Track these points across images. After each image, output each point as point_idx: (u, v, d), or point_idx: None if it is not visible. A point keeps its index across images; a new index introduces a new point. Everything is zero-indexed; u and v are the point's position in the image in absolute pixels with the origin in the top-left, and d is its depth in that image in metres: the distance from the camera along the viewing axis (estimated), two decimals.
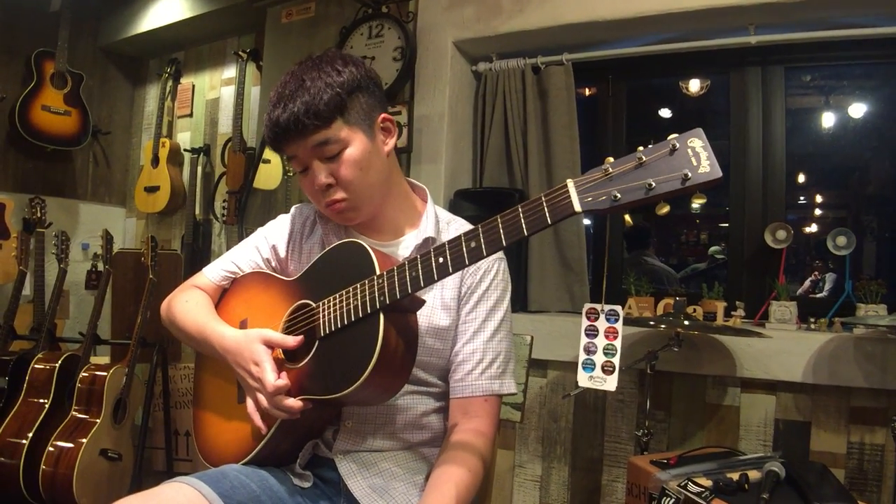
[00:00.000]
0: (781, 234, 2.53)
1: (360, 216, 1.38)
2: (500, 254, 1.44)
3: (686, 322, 2.17)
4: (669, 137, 0.93)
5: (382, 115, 1.39)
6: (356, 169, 1.32)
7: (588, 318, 2.22)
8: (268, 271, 1.48)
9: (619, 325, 2.16)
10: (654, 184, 0.91)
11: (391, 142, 1.41)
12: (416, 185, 1.52)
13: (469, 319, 1.39)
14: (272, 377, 1.21)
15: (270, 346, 1.27)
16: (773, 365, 2.31)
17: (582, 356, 2.22)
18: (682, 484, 1.65)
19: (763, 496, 1.53)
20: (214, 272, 1.53)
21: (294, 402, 1.20)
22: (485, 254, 1.04)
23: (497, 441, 1.47)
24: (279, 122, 1.28)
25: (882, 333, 2.19)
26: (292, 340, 1.26)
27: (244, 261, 1.51)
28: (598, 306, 2.20)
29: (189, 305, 1.47)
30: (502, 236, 1.02)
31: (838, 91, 3.23)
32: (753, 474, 1.68)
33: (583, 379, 2.21)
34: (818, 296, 3.20)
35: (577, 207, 0.96)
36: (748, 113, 2.75)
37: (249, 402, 1.28)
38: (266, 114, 1.33)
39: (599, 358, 2.17)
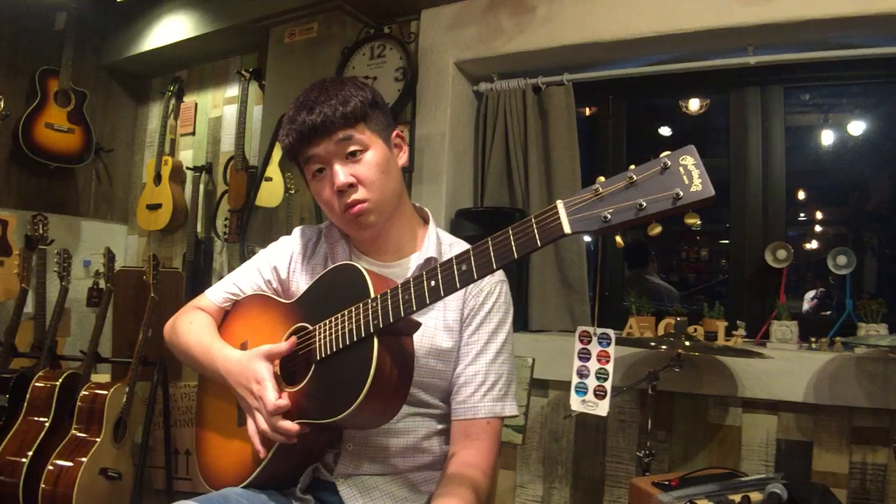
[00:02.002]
0: (782, 253, 2.53)
1: (379, 221, 1.37)
2: (502, 276, 1.45)
3: (687, 343, 2.17)
4: (661, 155, 0.91)
5: (396, 132, 1.43)
6: (378, 171, 1.33)
7: (581, 342, 2.20)
8: (268, 293, 1.49)
9: (611, 349, 2.14)
10: (645, 204, 0.90)
11: (403, 156, 1.44)
12: (417, 206, 1.53)
13: (471, 342, 1.39)
14: (273, 396, 1.22)
15: (271, 358, 1.28)
16: (774, 385, 2.31)
17: (574, 380, 2.19)
18: None
19: None
20: (216, 294, 1.53)
21: (291, 426, 1.20)
22: (475, 277, 1.04)
23: (498, 461, 1.46)
24: (306, 122, 1.30)
25: (883, 353, 2.19)
26: (285, 345, 1.27)
27: (245, 283, 1.52)
28: (590, 329, 2.18)
29: (193, 327, 1.48)
30: (493, 259, 1.02)
31: (837, 109, 3.24)
32: (755, 496, 1.68)
33: (575, 403, 2.18)
34: (827, 314, 3.19)
35: (567, 229, 0.95)
36: (748, 132, 2.76)
37: (250, 424, 1.28)
38: (286, 122, 1.35)
39: (592, 382, 2.15)
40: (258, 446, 1.26)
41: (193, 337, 1.45)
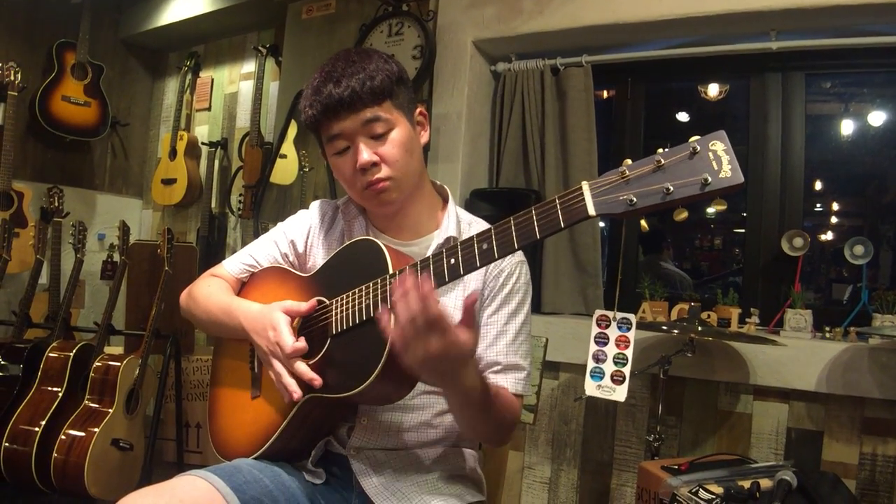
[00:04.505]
0: (798, 241, 2.51)
1: (399, 199, 1.36)
2: (522, 256, 1.44)
3: (700, 328, 2.16)
4: (690, 140, 0.89)
5: (419, 109, 1.42)
6: (402, 150, 1.32)
7: (598, 326, 2.19)
8: (285, 267, 1.49)
9: (631, 335, 2.13)
10: (671, 188, 0.88)
11: (425, 135, 1.43)
12: (437, 184, 1.52)
13: (491, 322, 1.38)
14: (290, 339, 1.23)
15: (290, 314, 1.29)
16: (786, 373, 2.29)
17: (590, 364, 2.18)
18: (693, 490, 1.65)
19: None
20: (233, 265, 1.54)
21: (310, 371, 1.22)
22: (496, 256, 1.03)
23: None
24: (332, 95, 1.27)
25: None
26: (305, 306, 1.29)
27: (262, 255, 1.52)
28: (609, 313, 2.17)
29: (212, 290, 1.49)
30: (515, 239, 1.01)
31: (858, 99, 3.19)
32: (765, 483, 1.67)
33: (590, 387, 2.17)
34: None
35: (592, 211, 0.93)
36: (767, 119, 2.73)
37: (270, 373, 1.29)
38: (310, 92, 1.33)
39: (609, 367, 2.14)
40: (283, 392, 1.25)
41: (213, 298, 1.47)
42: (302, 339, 1.25)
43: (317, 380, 1.21)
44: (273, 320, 1.27)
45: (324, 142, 1.37)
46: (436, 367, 1.06)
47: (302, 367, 1.22)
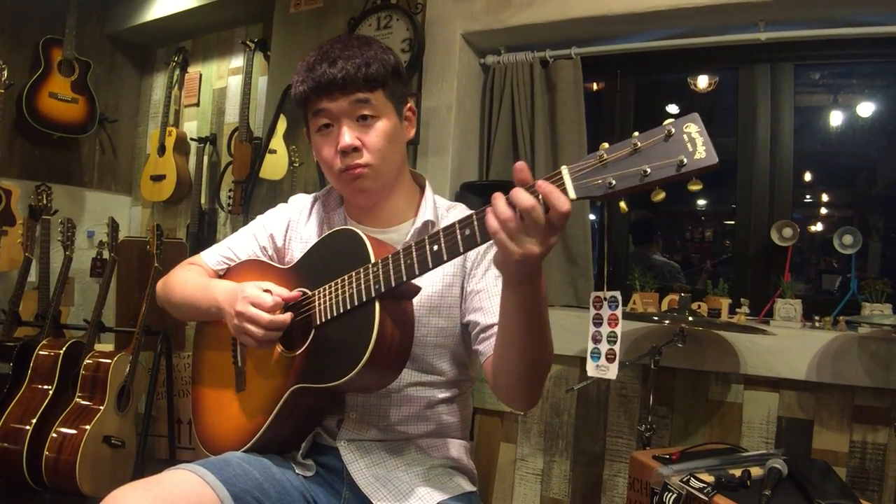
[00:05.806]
0: (788, 231, 2.52)
1: (374, 188, 1.36)
2: None
3: (690, 318, 2.17)
4: (665, 123, 0.91)
5: (409, 104, 1.42)
6: (385, 140, 1.33)
7: (594, 307, 2.22)
8: (264, 259, 1.49)
9: (619, 312, 2.16)
10: (649, 170, 0.90)
11: (411, 130, 1.44)
12: (415, 173, 1.53)
13: (480, 288, 1.36)
14: (266, 295, 1.25)
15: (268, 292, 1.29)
16: (776, 362, 2.30)
17: (590, 345, 2.21)
18: (685, 479, 1.65)
19: (765, 493, 1.53)
20: (211, 257, 1.54)
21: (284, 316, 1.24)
22: (479, 241, 1.04)
23: (500, 434, 1.47)
24: (325, 74, 1.28)
25: (887, 333, 2.19)
26: (287, 293, 1.28)
27: (241, 248, 1.52)
28: (602, 294, 2.21)
29: (190, 276, 1.49)
30: None
31: (847, 90, 3.20)
32: (756, 471, 1.68)
33: (591, 368, 2.19)
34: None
35: (572, 194, 0.95)
36: (756, 110, 2.73)
37: (246, 339, 1.29)
38: (303, 68, 1.33)
39: (604, 346, 2.17)
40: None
41: (191, 282, 1.47)
42: (278, 297, 1.27)
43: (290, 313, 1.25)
44: (241, 287, 1.29)
45: (309, 117, 1.37)
46: (534, 262, 1.00)
47: (270, 316, 1.24)
